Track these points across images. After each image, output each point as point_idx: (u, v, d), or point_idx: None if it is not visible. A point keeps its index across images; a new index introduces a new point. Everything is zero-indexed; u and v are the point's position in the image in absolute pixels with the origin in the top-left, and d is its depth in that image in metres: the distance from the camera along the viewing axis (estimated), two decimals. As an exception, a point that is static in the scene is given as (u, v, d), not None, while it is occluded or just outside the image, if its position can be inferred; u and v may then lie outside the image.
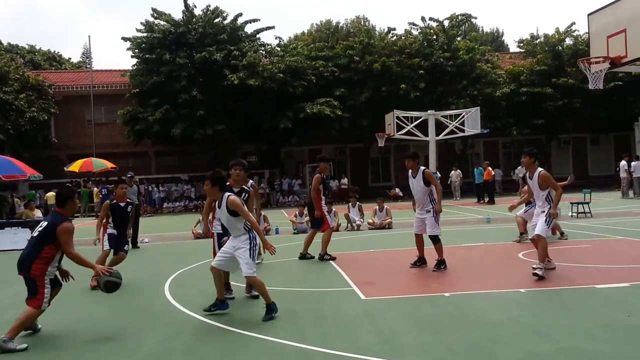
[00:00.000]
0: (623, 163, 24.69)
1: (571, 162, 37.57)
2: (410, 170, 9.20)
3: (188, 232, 16.58)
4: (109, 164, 27.55)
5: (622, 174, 24.59)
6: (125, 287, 7.35)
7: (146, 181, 29.92)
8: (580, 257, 9.86)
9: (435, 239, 9.01)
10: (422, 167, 9.20)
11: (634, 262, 9.12)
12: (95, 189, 28.76)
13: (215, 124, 29.84)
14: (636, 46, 9.21)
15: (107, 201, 9.43)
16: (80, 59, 57.97)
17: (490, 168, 26.08)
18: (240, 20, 32.55)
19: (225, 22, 32.27)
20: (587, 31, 10.79)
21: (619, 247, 10.81)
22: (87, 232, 19.42)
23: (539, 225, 8.15)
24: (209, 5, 32.29)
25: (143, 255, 12.90)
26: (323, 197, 10.57)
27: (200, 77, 30.70)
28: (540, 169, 8.36)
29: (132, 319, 6.87)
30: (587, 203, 16.62)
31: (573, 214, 16.77)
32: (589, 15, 10.51)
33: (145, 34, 31.48)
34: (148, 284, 9.07)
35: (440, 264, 8.99)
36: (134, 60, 32.09)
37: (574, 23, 33.75)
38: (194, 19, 31.78)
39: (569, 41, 33.31)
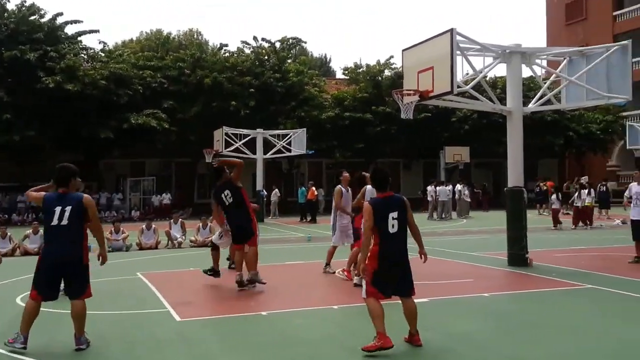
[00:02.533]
0: (430, 188, 27.09)
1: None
2: None
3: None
4: None
5: (430, 198, 26.95)
6: None
7: None
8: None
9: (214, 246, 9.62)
10: None
11: (433, 278, 9.95)
12: None
13: (25, 130, 27.25)
14: (441, 82, 10.17)
15: None
16: None
17: (314, 188, 27.08)
18: (60, 20, 30.36)
19: (43, 20, 29.85)
20: (402, 65, 11.70)
21: (420, 265, 11.72)
22: None
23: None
24: (25, 1, 29.65)
25: None
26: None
27: (9, 78, 27.90)
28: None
29: None
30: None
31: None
32: (403, 51, 11.41)
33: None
34: None
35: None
36: None
37: (392, 56, 36.35)
38: (6, 14, 28.94)
39: (387, 72, 35.83)
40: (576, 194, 20.77)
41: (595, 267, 10.65)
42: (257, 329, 6.60)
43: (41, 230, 14.15)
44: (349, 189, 9.99)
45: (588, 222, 20.46)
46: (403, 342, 6.00)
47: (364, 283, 5.90)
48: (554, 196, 20.95)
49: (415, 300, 7.96)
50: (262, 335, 6.28)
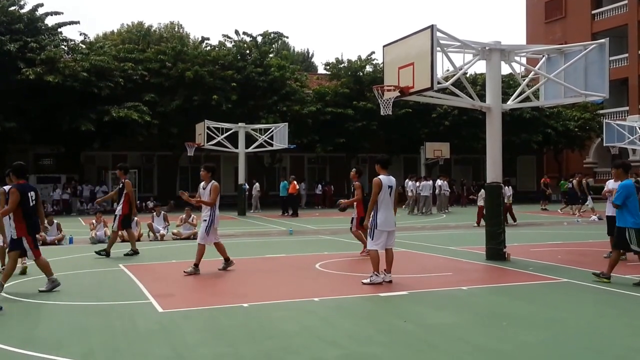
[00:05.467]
0: (410, 183, 27.29)
1: (367, 179, 40.53)
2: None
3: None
4: None
5: (410, 193, 27.16)
6: None
7: None
8: (368, 267, 10.65)
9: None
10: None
11: (413, 272, 10.12)
12: None
13: (4, 122, 26.95)
14: (421, 78, 10.26)
15: None
16: None
17: (295, 182, 27.15)
18: (40, 11, 29.97)
19: (23, 11, 29.46)
20: (383, 61, 11.78)
21: (401, 259, 11.87)
22: None
23: (200, 234, 10.02)
24: (4, -8, 29.24)
25: None
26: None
27: (-11, 68, 27.55)
28: (213, 181, 10.00)
29: None
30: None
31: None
32: (384, 46, 11.49)
33: None
34: None
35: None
36: None
37: (373, 52, 36.33)
38: (-15, 5, 28.53)
39: (369, 68, 35.90)
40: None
41: (571, 262, 10.88)
42: (237, 320, 6.67)
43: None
44: (207, 184, 10.09)
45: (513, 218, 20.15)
46: (380, 333, 6.12)
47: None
48: (507, 188, 20.93)
49: (395, 293, 8.16)
50: (241, 327, 6.35)
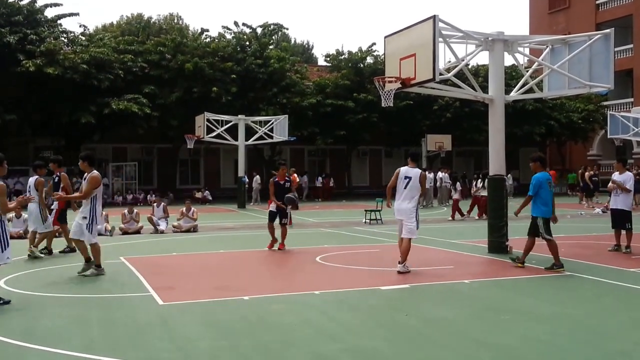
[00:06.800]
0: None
1: (368, 172, 40.54)
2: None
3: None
4: None
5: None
6: None
7: None
8: (369, 260, 10.61)
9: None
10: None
11: (414, 265, 10.02)
12: None
13: (4, 114, 26.88)
14: (423, 70, 10.14)
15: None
16: None
17: (296, 174, 27.05)
18: (39, 3, 29.87)
19: (22, 2, 29.33)
20: (384, 52, 11.66)
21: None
22: None
23: (85, 234, 8.71)
24: (3, -17, 29.10)
25: None
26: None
27: (-11, 60, 27.47)
28: (94, 171, 8.85)
29: None
30: (379, 211, 18.01)
31: (366, 220, 18.06)
32: (385, 37, 11.37)
33: None
34: None
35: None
36: None
37: (374, 43, 36.13)
38: (-17, -3, 28.39)
39: (369, 60, 35.72)
40: (474, 183, 20.15)
41: (575, 255, 10.79)
42: (238, 313, 6.61)
43: (24, 214, 13.96)
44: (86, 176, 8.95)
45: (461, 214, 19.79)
46: (381, 327, 6.06)
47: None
48: (457, 184, 20.53)
49: (397, 287, 8.10)
50: (242, 320, 6.30)
